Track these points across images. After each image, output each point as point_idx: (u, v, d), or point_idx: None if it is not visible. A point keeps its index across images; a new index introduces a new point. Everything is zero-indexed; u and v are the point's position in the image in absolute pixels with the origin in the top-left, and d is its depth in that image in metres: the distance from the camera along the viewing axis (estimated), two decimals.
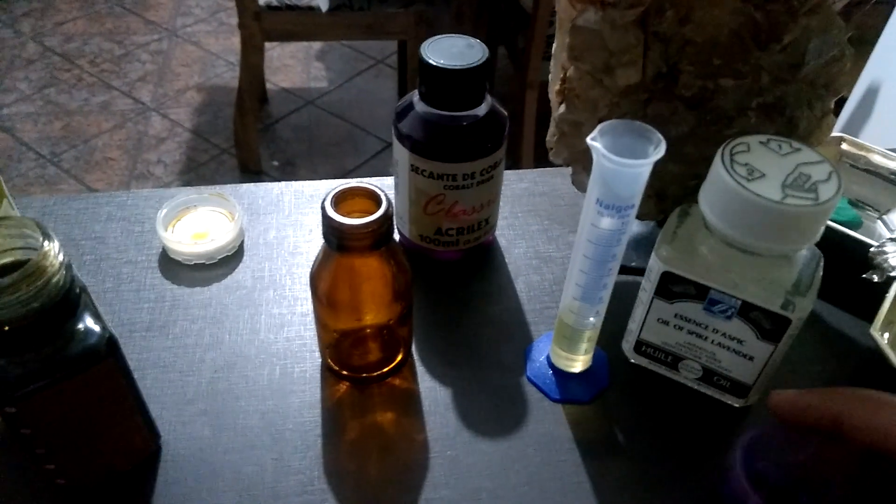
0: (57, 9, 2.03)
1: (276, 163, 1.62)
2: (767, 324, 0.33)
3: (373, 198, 0.33)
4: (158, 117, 1.71)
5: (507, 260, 0.45)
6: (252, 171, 1.57)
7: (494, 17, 1.48)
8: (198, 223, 0.44)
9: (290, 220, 0.46)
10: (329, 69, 1.89)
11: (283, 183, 0.48)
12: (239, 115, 1.52)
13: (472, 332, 0.41)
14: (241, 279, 0.42)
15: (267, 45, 1.68)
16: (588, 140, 0.29)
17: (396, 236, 0.45)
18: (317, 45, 1.96)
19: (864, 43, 1.26)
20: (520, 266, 0.45)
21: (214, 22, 2.02)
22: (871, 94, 1.19)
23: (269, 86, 1.80)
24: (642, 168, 0.29)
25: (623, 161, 0.28)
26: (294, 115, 1.75)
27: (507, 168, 0.51)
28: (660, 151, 0.29)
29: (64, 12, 2.01)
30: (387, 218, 0.32)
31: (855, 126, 1.20)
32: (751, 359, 0.35)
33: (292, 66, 1.89)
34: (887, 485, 0.27)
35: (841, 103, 1.24)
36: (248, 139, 1.54)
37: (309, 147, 1.67)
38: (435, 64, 0.37)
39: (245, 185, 0.48)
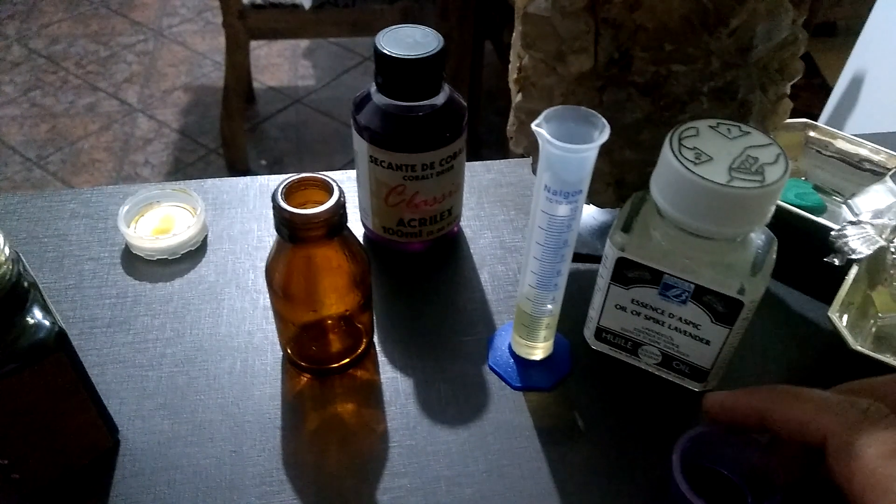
0: (42, 11, 2.02)
1: (264, 162, 1.62)
2: (720, 307, 0.33)
3: (325, 187, 0.33)
4: (145, 118, 1.70)
5: (472, 250, 0.45)
6: (240, 171, 1.57)
7: (480, 12, 1.48)
8: (161, 219, 0.44)
9: (254, 214, 0.46)
10: (316, 67, 1.89)
11: (249, 178, 0.48)
12: (226, 114, 1.52)
13: (436, 323, 0.41)
14: (203, 274, 0.42)
15: (253, 43, 1.68)
16: (533, 126, 0.29)
17: (360, 229, 0.45)
18: (304, 44, 1.95)
19: (850, 33, 1.26)
20: (485, 256, 0.45)
21: (200, 21, 2.02)
22: (856, 84, 1.19)
23: (256, 85, 1.79)
24: (587, 153, 0.29)
25: (568, 146, 0.28)
26: (281, 113, 1.75)
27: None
28: (604, 136, 0.29)
29: (49, 14, 2.01)
30: (339, 207, 0.32)
31: (840, 115, 1.20)
32: (707, 343, 0.35)
33: (279, 64, 1.89)
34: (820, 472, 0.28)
35: (826, 93, 1.25)
36: (235, 139, 1.54)
37: (297, 145, 1.66)
38: (390, 54, 0.37)
39: (209, 180, 0.48)
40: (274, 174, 0.48)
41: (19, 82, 1.78)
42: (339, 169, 1.71)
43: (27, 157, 1.59)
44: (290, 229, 0.32)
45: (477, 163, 0.50)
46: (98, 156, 1.61)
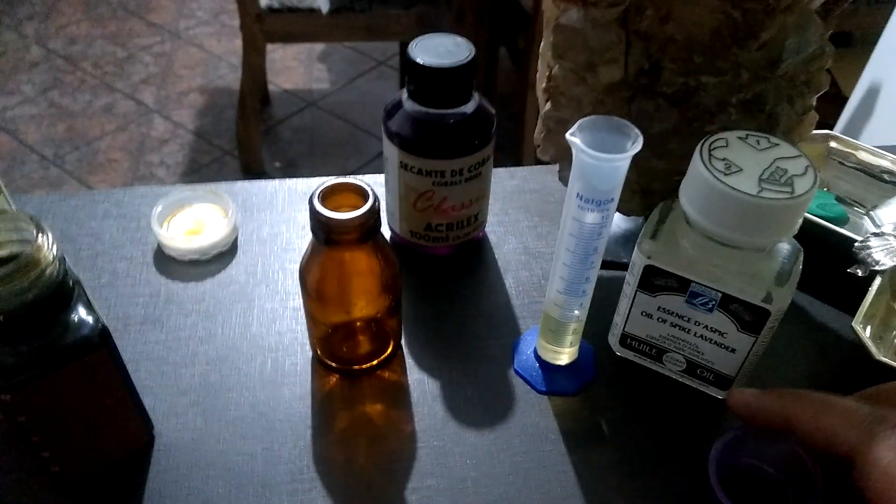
0: (60, 12, 2.04)
1: (278, 164, 1.63)
2: (747, 316, 0.34)
3: (360, 193, 0.33)
4: (161, 119, 1.72)
5: (496, 256, 0.46)
6: (254, 173, 1.58)
7: (495, 18, 1.48)
8: (192, 220, 0.44)
9: (283, 216, 0.47)
10: (331, 71, 1.91)
11: (277, 180, 0.49)
12: (241, 116, 1.53)
13: (461, 326, 0.42)
14: (234, 275, 0.43)
15: (269, 46, 1.69)
16: (567, 136, 0.30)
17: (388, 233, 0.46)
18: (319, 47, 1.97)
19: (866, 43, 1.26)
20: (509, 262, 0.45)
21: (217, 24, 2.03)
22: (872, 94, 1.19)
23: (271, 87, 1.81)
24: (620, 162, 0.29)
25: (601, 156, 0.29)
26: (296, 116, 1.76)
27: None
28: (637, 146, 0.29)
29: (67, 15, 2.03)
30: (373, 212, 0.33)
31: (856, 126, 1.20)
32: (732, 351, 0.35)
33: (294, 67, 1.90)
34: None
35: (842, 103, 1.25)
36: (250, 141, 1.55)
37: (311, 148, 1.68)
38: (422, 63, 0.37)
39: (239, 183, 0.49)
40: (288, 177, 0.49)
41: (37, 82, 1.80)
42: (353, 172, 1.73)
43: (44, 156, 1.61)
44: (326, 232, 0.33)
45: (501, 169, 0.51)
46: (114, 155, 1.63)
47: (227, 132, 1.68)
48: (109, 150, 1.64)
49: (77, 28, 1.99)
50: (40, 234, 0.28)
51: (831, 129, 0.50)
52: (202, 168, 1.61)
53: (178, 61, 1.90)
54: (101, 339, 0.30)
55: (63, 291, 0.30)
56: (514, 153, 1.55)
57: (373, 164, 1.63)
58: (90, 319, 0.30)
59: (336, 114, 1.77)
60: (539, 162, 0.46)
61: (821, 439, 0.27)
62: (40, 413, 0.30)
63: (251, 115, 1.52)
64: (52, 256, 0.29)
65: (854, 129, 1.20)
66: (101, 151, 1.63)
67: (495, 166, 0.51)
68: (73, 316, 0.30)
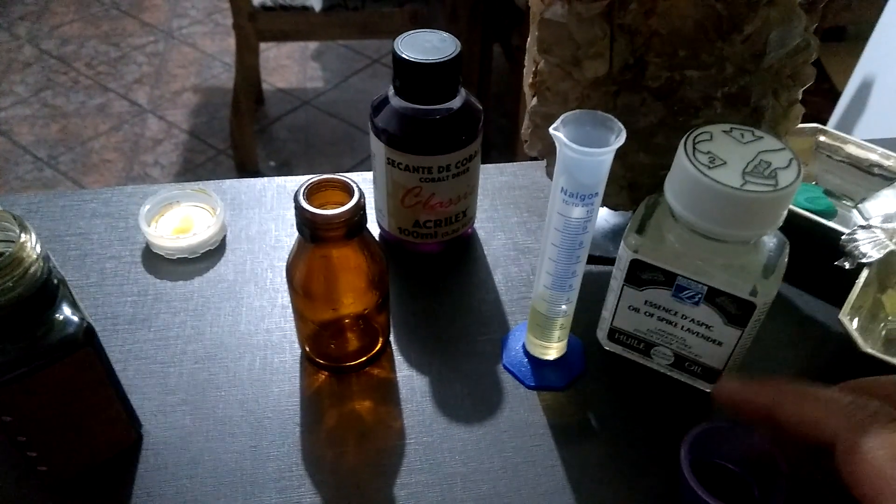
0: (53, 12, 2.04)
1: (272, 163, 1.63)
2: (733, 309, 0.34)
3: (345, 189, 0.33)
4: (155, 119, 1.72)
5: (485, 252, 0.46)
6: (249, 172, 1.58)
7: (489, 16, 1.48)
8: (180, 218, 0.44)
9: (271, 214, 0.47)
10: (325, 69, 1.90)
11: (266, 179, 0.49)
12: (235, 115, 1.53)
13: (451, 323, 0.42)
14: (222, 273, 0.43)
15: (263, 45, 1.69)
16: (551, 130, 0.30)
17: (376, 230, 0.46)
18: (313, 46, 1.97)
19: (859, 38, 1.26)
20: (498, 258, 0.46)
21: (210, 23, 2.03)
22: (865, 89, 1.19)
23: (265, 86, 1.81)
24: (604, 156, 0.29)
25: (585, 150, 0.29)
26: (290, 115, 1.76)
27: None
28: (620, 140, 0.29)
29: (60, 15, 2.03)
30: (359, 208, 0.33)
31: (849, 120, 1.20)
32: (719, 344, 0.35)
33: (288, 66, 1.90)
34: (826, 468, 0.28)
35: (835, 98, 1.25)
36: (244, 140, 1.55)
37: (305, 147, 1.67)
38: (408, 58, 0.37)
39: (228, 181, 0.49)
40: (282, 175, 0.49)
41: (31, 82, 1.80)
42: (348, 171, 1.72)
43: (38, 157, 1.61)
44: (312, 229, 0.33)
45: (490, 165, 0.51)
46: (108, 156, 1.62)
47: (222, 131, 1.68)
48: (103, 150, 1.63)
49: (70, 28, 1.98)
50: (24, 233, 0.28)
51: (824, 125, 0.50)
52: (196, 168, 1.60)
53: (172, 61, 1.89)
54: (86, 337, 0.30)
55: (47, 290, 0.30)
56: (509, 150, 1.55)
57: (367, 163, 1.62)
58: (75, 318, 0.30)
59: (330, 112, 1.77)
60: (530, 158, 0.46)
61: (804, 428, 0.28)
62: (26, 413, 0.30)
63: (245, 115, 1.52)
64: (35, 255, 0.29)
65: (847, 123, 1.20)
66: (95, 152, 1.63)
67: (489, 163, 0.51)
68: (57, 315, 0.30)
